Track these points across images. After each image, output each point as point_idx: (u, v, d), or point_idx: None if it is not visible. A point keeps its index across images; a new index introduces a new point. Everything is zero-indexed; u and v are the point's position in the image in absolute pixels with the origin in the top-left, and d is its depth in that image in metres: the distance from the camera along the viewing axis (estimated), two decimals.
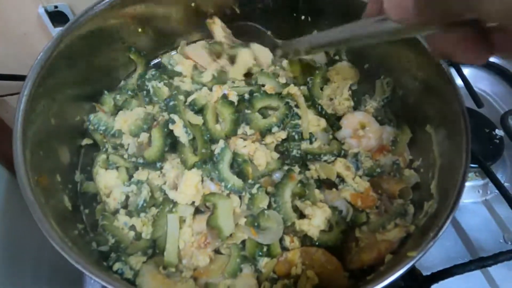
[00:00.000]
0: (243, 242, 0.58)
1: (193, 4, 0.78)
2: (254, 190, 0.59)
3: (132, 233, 0.58)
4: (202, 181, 0.61)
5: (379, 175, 0.65)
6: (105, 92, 0.74)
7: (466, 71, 0.97)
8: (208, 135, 0.64)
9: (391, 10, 0.36)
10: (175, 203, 0.59)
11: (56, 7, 0.77)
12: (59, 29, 0.78)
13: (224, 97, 0.65)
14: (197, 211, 0.60)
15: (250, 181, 0.60)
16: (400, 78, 0.73)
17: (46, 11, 0.78)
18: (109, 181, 0.63)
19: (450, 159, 0.58)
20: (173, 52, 0.83)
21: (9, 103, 0.97)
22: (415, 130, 0.69)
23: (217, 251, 0.58)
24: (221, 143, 0.62)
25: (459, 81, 0.93)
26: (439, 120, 0.63)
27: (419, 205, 0.60)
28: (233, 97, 0.67)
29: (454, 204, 0.51)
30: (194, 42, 0.84)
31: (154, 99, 0.71)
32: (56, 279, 1.25)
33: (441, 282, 0.67)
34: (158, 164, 0.64)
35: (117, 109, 0.72)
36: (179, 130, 0.62)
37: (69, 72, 0.65)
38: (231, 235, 0.56)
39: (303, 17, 0.80)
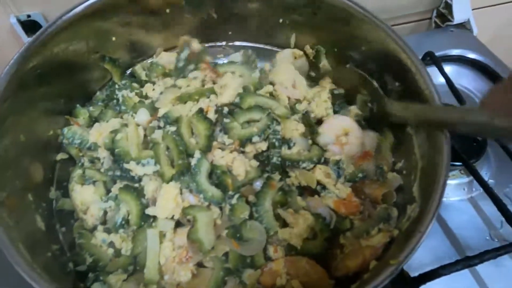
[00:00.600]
0: (226, 254, 0.57)
1: (168, 10, 0.78)
2: (234, 201, 0.59)
3: (111, 250, 0.58)
4: (181, 193, 0.59)
5: (361, 180, 0.64)
6: (77, 105, 0.73)
7: (448, 68, 0.98)
8: (183, 146, 0.63)
9: None
10: (154, 218, 0.58)
11: (29, 16, 0.77)
12: None
13: (201, 111, 0.64)
14: (178, 224, 0.60)
15: (230, 192, 0.60)
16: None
17: (19, 20, 0.77)
18: (86, 197, 0.62)
19: (430, 161, 0.59)
20: (149, 60, 0.83)
21: None
22: (396, 132, 0.69)
23: (200, 265, 0.57)
24: (197, 153, 0.62)
25: (441, 79, 0.94)
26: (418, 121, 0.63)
27: (402, 208, 0.61)
28: (211, 114, 0.66)
29: (436, 208, 0.52)
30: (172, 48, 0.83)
31: (122, 108, 0.71)
32: None
33: (428, 283, 0.66)
34: (136, 177, 0.62)
35: (92, 121, 0.72)
36: None
37: (39, 85, 0.64)
38: (213, 248, 0.55)
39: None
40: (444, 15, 1.10)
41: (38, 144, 0.64)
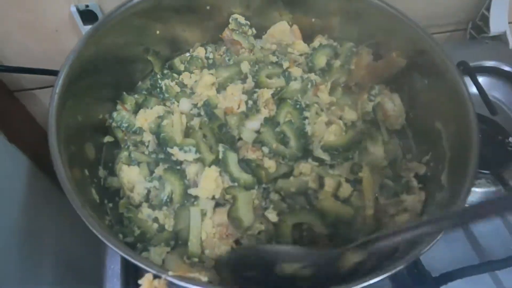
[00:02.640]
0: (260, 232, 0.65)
1: (208, 8, 0.86)
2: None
3: (155, 225, 0.64)
4: (221, 175, 0.67)
5: None
6: (123, 93, 0.81)
7: (481, 79, 1.02)
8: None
9: None
10: (196, 197, 0.65)
11: (87, 6, 0.87)
12: (88, 27, 0.86)
13: None
14: (217, 204, 0.67)
15: (263, 185, 0.69)
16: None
17: (78, 9, 0.87)
18: (132, 177, 0.71)
19: (460, 151, 0.65)
20: (187, 54, 0.91)
21: (38, 97, 1.04)
22: (424, 126, 0.76)
23: (236, 242, 0.63)
24: (220, 147, 0.70)
25: (473, 89, 0.98)
26: (448, 117, 0.70)
27: (431, 197, 0.67)
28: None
29: (467, 191, 0.57)
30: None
31: (166, 96, 0.80)
32: (73, 274, 1.30)
33: (450, 284, 0.69)
34: (178, 161, 0.70)
35: (137, 107, 0.81)
36: None
37: (93, 71, 0.72)
38: (250, 226, 0.60)
39: None
40: (480, 26, 1.14)
41: (91, 126, 0.73)
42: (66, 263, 1.29)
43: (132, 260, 0.47)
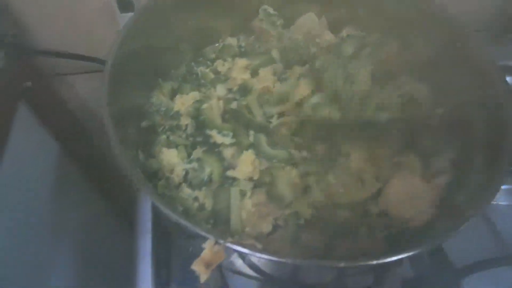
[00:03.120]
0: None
1: None
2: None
3: (196, 204, 0.68)
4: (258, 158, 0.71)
5: None
6: (160, 79, 0.84)
7: (508, 79, 1.01)
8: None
9: None
10: (234, 179, 0.69)
11: None
12: (124, 15, 0.88)
13: None
14: (256, 185, 0.70)
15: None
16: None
17: None
18: (171, 159, 0.74)
19: (494, 136, 0.66)
20: (217, 44, 0.94)
21: (70, 82, 1.08)
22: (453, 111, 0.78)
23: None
24: (251, 132, 0.74)
25: None
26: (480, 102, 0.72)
27: (465, 179, 0.68)
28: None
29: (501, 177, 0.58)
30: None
31: (202, 81, 0.84)
32: (97, 261, 1.33)
33: (474, 278, 0.70)
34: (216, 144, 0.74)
35: (173, 93, 0.84)
36: None
37: (134, 58, 0.75)
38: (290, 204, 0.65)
39: None
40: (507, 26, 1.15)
41: (132, 110, 0.76)
42: (89, 250, 1.32)
43: (195, 228, 0.49)
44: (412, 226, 0.67)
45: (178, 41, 0.86)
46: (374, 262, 0.52)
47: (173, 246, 0.82)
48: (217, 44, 0.93)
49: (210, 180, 0.70)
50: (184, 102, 0.79)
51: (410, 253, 0.52)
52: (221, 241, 0.48)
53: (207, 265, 0.50)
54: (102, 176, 1.32)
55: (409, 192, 0.69)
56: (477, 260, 0.73)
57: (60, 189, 1.15)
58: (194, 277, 0.78)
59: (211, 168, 0.70)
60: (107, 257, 1.38)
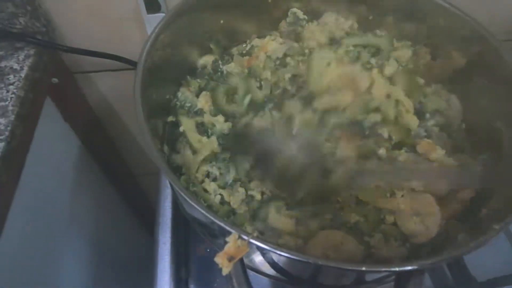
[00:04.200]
0: None
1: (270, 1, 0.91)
2: None
3: (218, 198, 0.71)
4: None
5: None
6: (187, 77, 0.87)
7: None
8: None
9: None
10: None
11: None
12: (151, 15, 0.91)
13: None
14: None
15: None
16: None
17: None
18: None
19: None
20: (243, 45, 0.96)
21: (93, 80, 1.11)
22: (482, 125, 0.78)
23: None
24: None
25: None
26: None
27: (489, 192, 0.69)
28: None
29: None
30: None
31: (226, 79, 0.86)
32: (113, 259, 1.36)
33: None
34: None
35: (200, 90, 0.86)
36: None
37: (164, 56, 0.77)
38: None
39: None
40: None
41: (160, 105, 0.79)
42: (108, 246, 1.35)
43: (219, 223, 0.51)
44: (416, 242, 0.68)
45: (208, 39, 0.89)
46: (396, 269, 0.54)
47: (192, 245, 0.84)
48: (244, 45, 0.95)
49: (235, 182, 0.72)
50: (208, 100, 0.81)
51: (431, 262, 0.53)
52: (245, 237, 0.50)
53: (230, 258, 0.51)
54: (120, 173, 1.35)
55: (417, 208, 0.70)
56: (498, 275, 0.72)
57: (79, 184, 1.19)
58: (213, 277, 0.81)
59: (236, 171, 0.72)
60: (126, 254, 1.41)
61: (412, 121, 0.78)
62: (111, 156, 1.33)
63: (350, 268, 0.55)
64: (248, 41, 0.95)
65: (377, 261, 0.67)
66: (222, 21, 0.89)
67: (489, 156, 0.74)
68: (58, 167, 1.10)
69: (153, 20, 0.94)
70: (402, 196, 0.71)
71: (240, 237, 0.50)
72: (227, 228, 0.50)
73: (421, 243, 0.68)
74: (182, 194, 0.52)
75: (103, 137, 1.29)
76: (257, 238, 0.50)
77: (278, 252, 0.50)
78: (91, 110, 1.21)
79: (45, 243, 1.02)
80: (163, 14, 0.94)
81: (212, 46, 0.90)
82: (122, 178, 1.38)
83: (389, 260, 0.67)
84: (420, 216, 0.69)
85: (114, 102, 1.22)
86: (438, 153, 0.74)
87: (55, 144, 1.09)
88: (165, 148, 0.77)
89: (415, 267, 0.52)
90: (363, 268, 0.53)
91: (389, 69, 0.83)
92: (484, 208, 0.67)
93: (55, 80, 1.02)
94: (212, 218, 0.50)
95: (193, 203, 0.51)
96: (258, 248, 0.51)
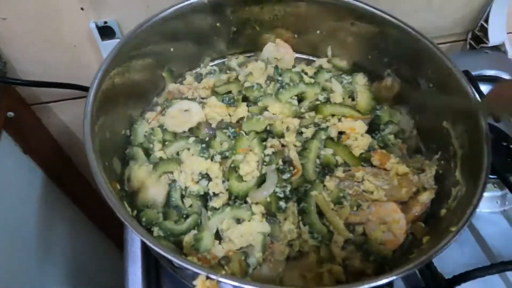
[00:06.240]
0: None
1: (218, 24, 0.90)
2: None
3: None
4: None
5: None
6: (142, 109, 0.85)
7: (483, 87, 1.06)
8: None
9: None
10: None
11: (105, 22, 0.91)
12: (106, 42, 0.88)
13: None
14: None
15: None
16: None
17: (97, 26, 0.91)
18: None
19: (471, 147, 0.69)
20: (197, 69, 0.95)
21: (53, 110, 1.07)
22: (431, 126, 0.80)
23: None
24: None
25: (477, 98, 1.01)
26: (456, 116, 0.74)
27: (447, 191, 0.71)
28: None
29: (484, 185, 0.61)
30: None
31: None
32: (87, 282, 1.32)
33: (462, 285, 0.73)
34: None
35: None
36: None
37: (119, 87, 0.75)
38: None
39: None
40: (479, 37, 1.20)
41: (115, 141, 0.76)
42: (77, 268, 1.30)
43: (184, 264, 0.49)
44: (386, 250, 0.69)
45: (160, 68, 0.87)
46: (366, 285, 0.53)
47: (163, 272, 0.81)
48: (198, 70, 0.94)
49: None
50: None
51: (400, 275, 0.53)
52: (214, 276, 0.48)
53: None
54: (90, 200, 1.30)
55: (383, 217, 0.71)
56: (465, 269, 0.74)
57: (49, 215, 1.14)
58: None
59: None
60: (104, 279, 1.36)
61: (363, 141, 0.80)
62: (78, 184, 1.28)
63: None
64: (201, 65, 0.94)
65: (352, 273, 0.68)
66: (172, 49, 0.87)
67: (441, 156, 0.77)
68: (22, 200, 1.06)
69: (109, 46, 0.92)
70: (368, 207, 0.73)
71: (208, 277, 0.49)
72: (194, 270, 0.48)
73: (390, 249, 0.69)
74: (146, 241, 0.50)
75: (68, 166, 1.24)
76: (225, 276, 0.48)
77: (247, 286, 0.49)
78: (53, 140, 1.17)
79: (17, 276, 0.97)
80: (119, 40, 0.91)
81: (164, 74, 0.88)
82: (91, 205, 1.33)
83: (362, 271, 0.68)
84: (387, 224, 0.71)
85: (77, 130, 1.19)
86: (392, 161, 0.76)
87: (16, 178, 1.04)
88: (126, 185, 0.75)
89: (388, 279, 0.52)
90: None
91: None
92: (443, 209, 0.69)
93: (10, 114, 0.97)
94: (180, 262, 0.48)
95: (159, 250, 0.49)
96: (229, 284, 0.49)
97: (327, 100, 0.87)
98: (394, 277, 0.52)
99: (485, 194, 0.89)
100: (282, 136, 0.79)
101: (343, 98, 0.88)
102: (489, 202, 0.92)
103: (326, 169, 0.77)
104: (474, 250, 0.84)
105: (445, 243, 0.57)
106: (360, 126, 0.81)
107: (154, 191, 0.73)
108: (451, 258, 0.80)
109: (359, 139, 0.79)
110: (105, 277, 1.42)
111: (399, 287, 0.79)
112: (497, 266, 0.74)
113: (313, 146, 0.76)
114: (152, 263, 0.80)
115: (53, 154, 1.18)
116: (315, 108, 0.85)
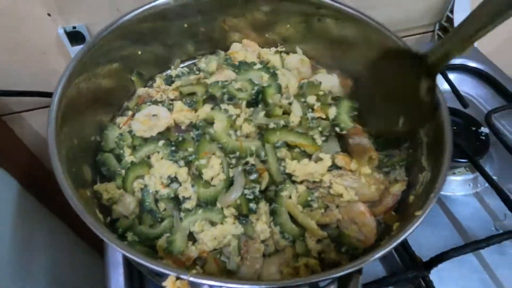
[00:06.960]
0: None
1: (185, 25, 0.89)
2: None
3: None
4: None
5: None
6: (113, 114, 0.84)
7: (451, 76, 1.08)
8: None
9: None
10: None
11: (74, 27, 0.89)
12: (76, 47, 0.87)
13: None
14: None
15: None
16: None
17: (65, 31, 0.89)
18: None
19: (435, 134, 0.69)
20: (168, 71, 0.95)
21: (25, 119, 1.04)
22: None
23: None
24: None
25: (445, 85, 1.03)
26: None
27: (415, 178, 0.73)
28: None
29: (446, 169, 0.62)
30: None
31: None
32: None
33: (440, 267, 0.74)
34: None
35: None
36: None
37: (85, 93, 0.74)
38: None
39: None
40: (446, 28, 1.21)
41: (84, 147, 0.75)
42: (59, 281, 1.27)
43: (150, 265, 0.48)
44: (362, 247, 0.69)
45: (129, 72, 0.86)
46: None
47: (147, 279, 0.80)
48: (168, 72, 0.93)
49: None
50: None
51: (364, 263, 0.54)
52: (184, 276, 0.48)
53: None
54: (69, 209, 1.27)
55: (352, 218, 0.71)
56: (441, 251, 0.75)
57: (22, 226, 1.11)
58: None
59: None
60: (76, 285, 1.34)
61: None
62: (56, 194, 1.24)
63: (288, 285, 0.54)
64: (172, 67, 0.93)
65: (328, 265, 0.68)
66: (140, 52, 0.86)
67: (410, 144, 0.78)
68: None
69: None
70: (337, 207, 0.73)
71: (178, 277, 0.48)
72: (163, 271, 0.48)
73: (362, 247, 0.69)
74: (113, 245, 0.49)
75: (44, 176, 1.21)
76: (196, 275, 0.47)
77: (220, 284, 0.48)
78: (27, 150, 1.14)
79: None
80: None
81: (133, 78, 0.87)
82: (71, 213, 1.30)
83: (339, 262, 0.68)
84: (358, 225, 0.71)
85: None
86: (354, 162, 0.75)
87: None
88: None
89: (351, 270, 0.53)
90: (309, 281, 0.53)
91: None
92: (411, 195, 0.70)
93: None
94: (146, 263, 0.47)
95: (128, 254, 0.48)
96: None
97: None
98: (357, 267, 0.52)
99: (458, 178, 0.94)
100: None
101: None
102: (462, 185, 0.94)
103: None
104: (450, 232, 0.86)
105: (410, 227, 0.57)
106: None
107: (127, 202, 0.71)
108: (428, 241, 0.82)
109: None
110: (88, 286, 1.39)
111: (378, 272, 0.80)
112: (471, 245, 0.76)
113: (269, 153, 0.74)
114: (135, 270, 0.79)
115: (29, 165, 1.15)
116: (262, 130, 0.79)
